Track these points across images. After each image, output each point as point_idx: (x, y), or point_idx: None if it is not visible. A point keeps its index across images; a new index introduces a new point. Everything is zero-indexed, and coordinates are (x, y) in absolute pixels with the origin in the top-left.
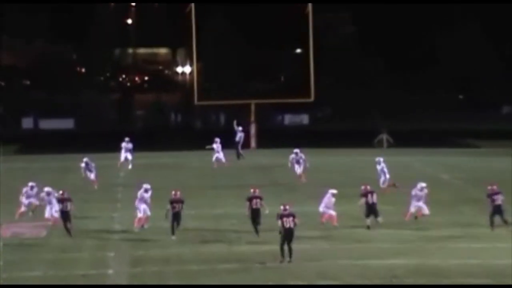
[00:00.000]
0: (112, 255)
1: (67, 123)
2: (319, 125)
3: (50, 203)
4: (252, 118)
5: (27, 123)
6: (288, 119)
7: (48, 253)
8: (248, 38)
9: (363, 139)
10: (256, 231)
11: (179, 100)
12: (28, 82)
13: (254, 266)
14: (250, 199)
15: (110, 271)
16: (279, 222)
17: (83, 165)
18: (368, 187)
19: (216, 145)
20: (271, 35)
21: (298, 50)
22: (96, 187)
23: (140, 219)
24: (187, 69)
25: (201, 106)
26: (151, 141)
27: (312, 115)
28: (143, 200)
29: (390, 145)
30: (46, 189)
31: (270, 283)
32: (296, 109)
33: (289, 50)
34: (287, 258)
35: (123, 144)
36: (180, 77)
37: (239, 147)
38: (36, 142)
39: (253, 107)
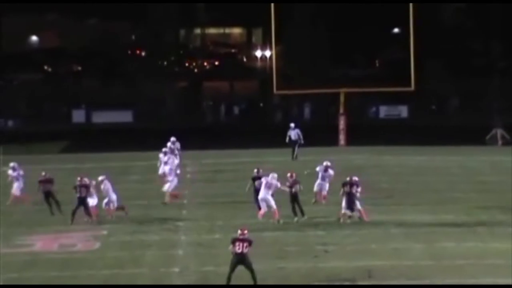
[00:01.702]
0: (176, 271)
1: (125, 116)
2: (421, 118)
3: (17, 179)
4: (341, 110)
5: (78, 116)
6: (383, 111)
7: (102, 268)
8: (337, 15)
9: (473, 135)
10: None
11: (255, 89)
12: (79, 68)
13: (343, 285)
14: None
15: None
16: (230, 246)
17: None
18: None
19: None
20: (364, 12)
21: (396, 30)
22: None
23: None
24: (267, 52)
25: (281, 95)
26: (221, 137)
27: (411, 107)
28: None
29: (505, 142)
30: (12, 164)
31: None
32: (393, 99)
33: (386, 29)
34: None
35: (169, 146)
36: (257, 62)
37: (296, 147)
38: (88, 138)
39: (342, 97)
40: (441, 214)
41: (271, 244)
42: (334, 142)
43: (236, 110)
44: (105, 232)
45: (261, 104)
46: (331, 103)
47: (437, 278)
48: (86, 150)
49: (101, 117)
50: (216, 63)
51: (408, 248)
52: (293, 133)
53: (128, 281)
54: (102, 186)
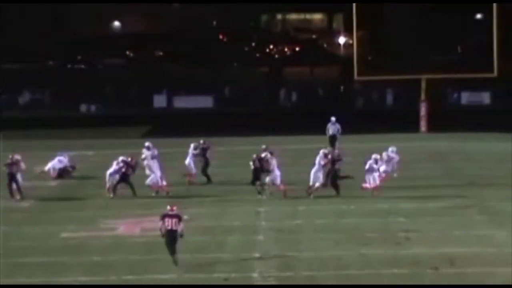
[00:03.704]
0: (257, 256)
1: (206, 101)
2: (503, 104)
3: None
4: (423, 96)
5: (159, 101)
6: (465, 97)
7: (184, 253)
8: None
9: None
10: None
11: (336, 75)
12: (161, 53)
13: (425, 271)
14: None
15: (255, 275)
16: (160, 223)
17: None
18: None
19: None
20: None
21: (479, 15)
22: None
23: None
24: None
25: (363, 81)
26: (301, 123)
27: (494, 93)
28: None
29: None
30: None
31: None
32: (476, 86)
33: (469, 14)
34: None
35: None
36: (338, 48)
37: (337, 142)
38: (169, 123)
39: (423, 84)
40: None
41: (353, 230)
42: (415, 128)
43: (315, 95)
44: (186, 217)
45: (342, 90)
46: (412, 89)
47: None
48: (167, 135)
49: (182, 102)
50: (297, 48)
51: (491, 235)
52: (333, 128)
53: (209, 265)
54: (145, 162)
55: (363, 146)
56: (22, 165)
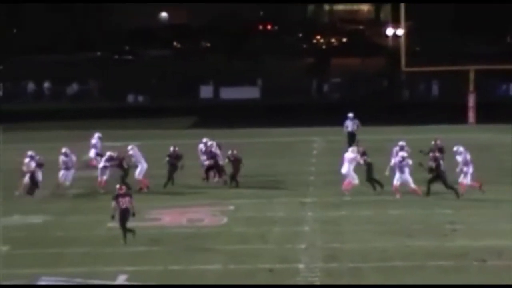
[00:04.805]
0: (302, 247)
1: (252, 92)
2: None
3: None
4: (471, 87)
5: (206, 91)
6: None
7: (229, 243)
8: None
9: None
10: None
11: (382, 66)
12: (207, 44)
13: (471, 264)
14: None
15: (301, 266)
16: (114, 203)
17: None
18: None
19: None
20: None
21: None
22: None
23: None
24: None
25: (409, 72)
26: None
27: None
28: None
29: None
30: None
31: (489, 284)
32: None
33: None
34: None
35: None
36: (385, 39)
37: (356, 140)
38: (215, 114)
39: (472, 75)
40: None
41: (397, 221)
42: (462, 120)
43: (361, 86)
44: (232, 208)
45: (388, 82)
46: (459, 81)
47: None
48: (213, 126)
49: (228, 93)
50: (344, 39)
51: None
52: (351, 124)
53: (254, 256)
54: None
55: (410, 138)
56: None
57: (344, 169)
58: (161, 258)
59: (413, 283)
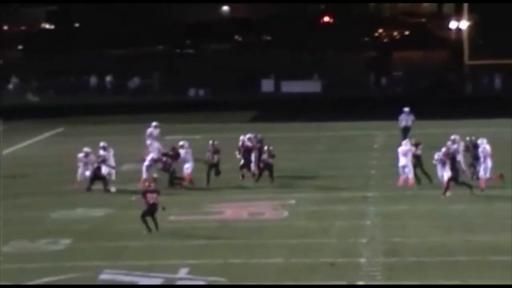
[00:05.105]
0: (364, 241)
1: (313, 86)
2: None
3: (86, 164)
4: None
5: (267, 85)
6: None
7: (290, 237)
8: None
9: None
10: None
11: (445, 59)
12: (268, 38)
13: None
14: None
15: (362, 260)
16: (143, 198)
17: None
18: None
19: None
20: None
21: None
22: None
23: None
24: (463, 24)
25: (471, 66)
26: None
27: None
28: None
29: None
30: (85, 149)
31: None
32: None
33: None
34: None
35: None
36: (448, 32)
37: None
38: (276, 108)
39: None
40: None
41: (459, 216)
42: None
43: (424, 80)
44: (293, 202)
45: (451, 75)
46: None
47: None
48: (274, 120)
49: (289, 87)
50: (406, 32)
51: None
52: (406, 119)
53: (316, 250)
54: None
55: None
56: (92, 157)
57: (402, 162)
58: (222, 251)
59: (475, 278)
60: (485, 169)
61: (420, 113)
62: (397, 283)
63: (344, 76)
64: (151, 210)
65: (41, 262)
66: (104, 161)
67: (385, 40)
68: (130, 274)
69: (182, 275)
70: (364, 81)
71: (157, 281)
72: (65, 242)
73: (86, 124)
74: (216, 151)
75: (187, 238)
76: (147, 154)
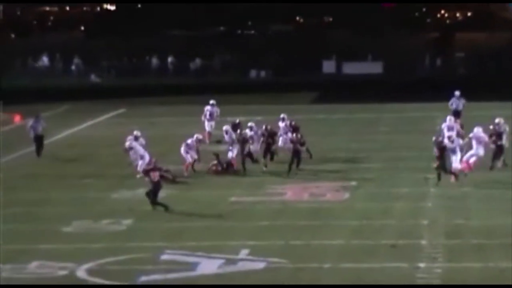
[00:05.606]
0: (425, 223)
1: (375, 67)
2: None
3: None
4: None
5: (328, 66)
6: None
7: (351, 219)
8: None
9: None
10: None
11: (510, 41)
12: (330, 19)
13: None
14: None
15: (423, 242)
16: (146, 177)
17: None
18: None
19: None
20: None
21: None
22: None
23: None
24: None
25: None
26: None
27: None
28: None
29: None
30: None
31: None
32: None
33: None
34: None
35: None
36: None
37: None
38: (338, 89)
39: None
40: None
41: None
42: None
43: (486, 62)
44: (354, 183)
45: None
46: None
47: None
48: (335, 101)
49: (351, 68)
50: (469, 14)
51: None
52: (457, 102)
53: (376, 232)
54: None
55: None
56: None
57: (474, 150)
58: (283, 232)
59: None
60: None
61: (482, 95)
62: (458, 265)
63: (406, 58)
64: (155, 188)
65: (103, 242)
66: (131, 148)
67: (448, 21)
68: (191, 255)
69: (243, 256)
70: (427, 62)
71: (218, 262)
72: (127, 222)
73: (148, 105)
74: (271, 134)
75: (248, 219)
76: (207, 134)
